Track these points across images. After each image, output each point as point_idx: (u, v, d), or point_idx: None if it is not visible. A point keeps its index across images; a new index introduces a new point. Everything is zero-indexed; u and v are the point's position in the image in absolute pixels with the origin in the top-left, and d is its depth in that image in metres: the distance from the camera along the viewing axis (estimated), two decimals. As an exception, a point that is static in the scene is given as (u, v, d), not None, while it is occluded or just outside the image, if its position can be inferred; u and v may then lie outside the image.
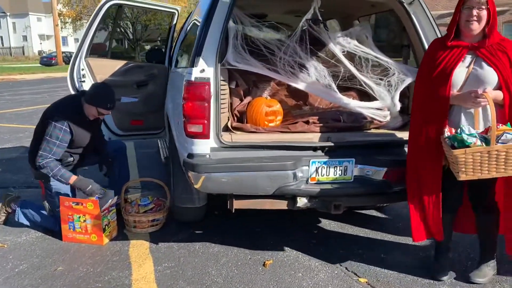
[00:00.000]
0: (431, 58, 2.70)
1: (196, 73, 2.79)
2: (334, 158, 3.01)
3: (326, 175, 3.01)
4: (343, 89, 3.61)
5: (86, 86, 4.36)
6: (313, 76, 3.30)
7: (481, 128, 2.60)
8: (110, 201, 3.48)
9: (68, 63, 4.77)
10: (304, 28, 3.35)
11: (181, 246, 3.39)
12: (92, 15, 4.28)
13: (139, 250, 3.33)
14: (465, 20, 2.57)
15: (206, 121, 2.79)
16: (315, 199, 3.01)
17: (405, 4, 3.29)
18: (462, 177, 2.49)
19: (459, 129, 2.49)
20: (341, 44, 3.43)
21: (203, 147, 2.85)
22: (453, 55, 2.63)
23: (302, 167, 2.94)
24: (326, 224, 3.84)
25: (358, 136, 3.15)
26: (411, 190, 2.84)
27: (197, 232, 3.65)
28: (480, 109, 2.61)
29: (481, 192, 2.76)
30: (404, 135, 3.16)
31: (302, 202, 2.97)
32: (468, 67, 2.62)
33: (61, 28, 34.53)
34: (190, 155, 2.87)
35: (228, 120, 3.20)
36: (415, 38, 3.33)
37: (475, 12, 2.53)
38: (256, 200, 2.97)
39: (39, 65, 35.80)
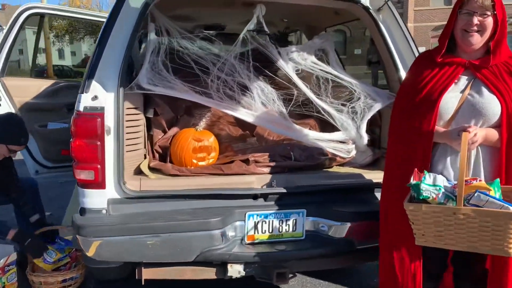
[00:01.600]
0: (415, 77, 1.99)
1: (85, 101, 2.08)
2: (279, 209, 2.31)
3: (269, 232, 2.30)
4: (300, 117, 2.92)
5: (3, 110, 3.65)
6: (257, 101, 2.60)
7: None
8: (3, 259, 2.74)
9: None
10: (247, 41, 2.66)
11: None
12: (7, 26, 3.58)
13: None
14: (463, 29, 1.86)
15: (99, 166, 2.07)
16: (253, 265, 2.28)
17: (371, 11, 2.60)
18: (419, 241, 1.79)
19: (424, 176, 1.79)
20: (295, 61, 2.75)
21: (97, 199, 2.12)
22: (443, 75, 1.92)
23: (234, 223, 2.23)
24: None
25: (313, 179, 2.44)
26: (383, 249, 2.11)
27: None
28: (473, 152, 1.90)
29: (467, 259, 2.03)
30: (375, 175, 2.48)
31: (234, 270, 2.24)
32: (462, 92, 1.90)
33: (53, 41, 33.93)
34: (82, 210, 2.15)
35: (146, 158, 2.49)
36: (385, 53, 2.64)
37: (476, 19, 1.82)
38: (173, 268, 2.24)
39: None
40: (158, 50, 2.51)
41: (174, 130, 2.60)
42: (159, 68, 2.43)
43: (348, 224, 2.28)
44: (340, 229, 2.30)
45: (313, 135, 2.61)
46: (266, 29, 2.63)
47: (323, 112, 2.67)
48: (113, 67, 2.15)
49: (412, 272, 2.03)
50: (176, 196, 2.23)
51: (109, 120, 2.12)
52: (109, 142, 2.12)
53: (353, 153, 2.68)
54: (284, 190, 2.32)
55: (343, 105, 2.66)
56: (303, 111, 2.76)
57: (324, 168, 2.62)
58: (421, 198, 1.76)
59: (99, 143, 2.06)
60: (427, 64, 1.96)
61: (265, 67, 2.75)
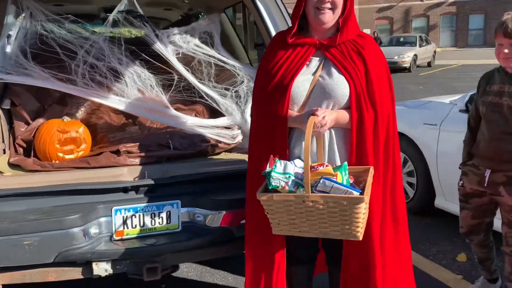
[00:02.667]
0: (269, 61, 1.89)
1: None
2: (151, 201, 2.18)
3: (140, 227, 2.17)
4: (188, 103, 2.79)
5: None
6: (132, 87, 2.44)
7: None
8: None
9: None
10: (119, 24, 2.48)
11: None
12: None
13: None
14: (315, 7, 1.77)
15: None
16: (123, 262, 2.15)
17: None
18: (276, 230, 1.74)
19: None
20: (176, 44, 2.60)
21: None
22: (295, 57, 1.84)
23: (98, 219, 2.08)
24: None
25: (190, 168, 2.33)
26: (249, 238, 2.04)
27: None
28: (326, 134, 1.85)
29: (336, 241, 1.99)
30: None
31: (100, 268, 2.09)
32: (314, 74, 1.83)
33: None
34: None
35: (4, 153, 2.28)
36: (265, 35, 2.54)
37: None
38: (34, 270, 2.07)
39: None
40: (15, 34, 2.28)
41: (39, 121, 2.39)
42: (15, 54, 2.21)
43: (224, 213, 2.20)
44: (216, 218, 2.22)
45: (195, 122, 2.50)
46: (139, 10, 2.46)
47: (206, 98, 2.56)
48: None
49: (277, 260, 1.98)
50: (33, 194, 2.05)
51: None
52: None
53: (239, 138, 2.60)
54: (156, 182, 2.19)
55: (226, 89, 2.56)
56: (184, 96, 2.62)
57: (207, 155, 2.51)
58: (270, 188, 1.69)
59: None
60: (280, 46, 1.87)
61: (141, 50, 2.58)
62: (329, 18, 1.78)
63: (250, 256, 2.02)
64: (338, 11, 1.79)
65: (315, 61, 1.85)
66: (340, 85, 1.80)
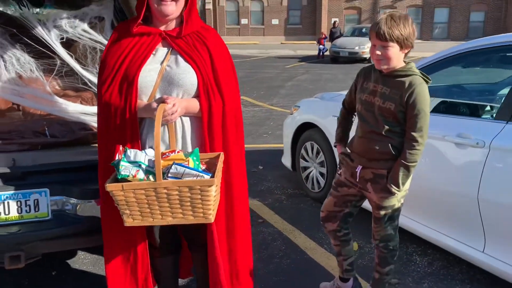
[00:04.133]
0: (113, 50, 1.88)
1: None
2: (17, 189, 2.15)
3: (5, 214, 2.14)
4: (77, 90, 2.75)
5: None
6: (11, 72, 2.38)
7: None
8: None
9: None
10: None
11: None
12: None
13: None
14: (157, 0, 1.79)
15: None
16: (-15, 250, 2.13)
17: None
18: (128, 222, 1.75)
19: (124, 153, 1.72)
20: (61, 28, 2.55)
21: None
22: (141, 47, 1.85)
23: (-44, 207, 2.04)
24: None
25: (61, 156, 2.30)
26: (106, 231, 2.05)
27: None
28: (178, 123, 1.87)
29: (192, 227, 2.03)
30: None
31: (-43, 257, 2.07)
32: (161, 63, 1.85)
33: None
34: None
35: None
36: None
37: None
38: None
39: None
40: None
41: None
42: None
43: (92, 201, 2.19)
44: (86, 207, 2.21)
45: (76, 109, 2.47)
46: (18, -9, 2.38)
47: (89, 84, 2.52)
48: None
49: (139, 252, 2.00)
50: None
51: None
52: None
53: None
54: (22, 169, 2.16)
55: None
56: (65, 82, 2.58)
57: (89, 144, 2.48)
58: (120, 177, 1.69)
59: None
60: (124, 36, 1.87)
61: (21, 33, 2.51)
62: (172, 10, 1.80)
63: (110, 249, 2.03)
64: (181, 3, 1.82)
65: (161, 51, 1.87)
66: (188, 74, 1.84)
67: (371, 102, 2.18)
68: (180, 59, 1.85)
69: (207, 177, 1.69)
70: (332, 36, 20.38)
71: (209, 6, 33.43)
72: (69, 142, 2.42)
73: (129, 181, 1.70)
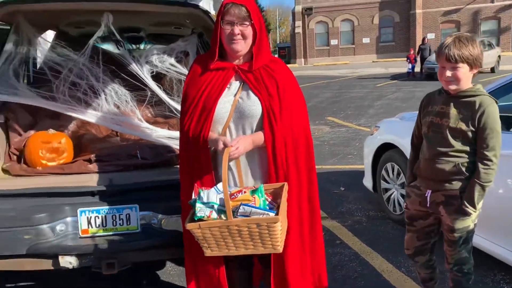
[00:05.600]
0: (194, 83, 2.11)
1: None
2: (113, 205, 2.47)
3: (103, 226, 2.47)
4: (164, 117, 3.08)
5: None
6: (109, 103, 2.77)
7: (251, 182, 2.06)
8: None
9: None
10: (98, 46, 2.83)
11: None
12: None
13: None
14: (228, 39, 1.98)
15: None
16: (88, 257, 2.46)
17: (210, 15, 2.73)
18: (207, 253, 1.94)
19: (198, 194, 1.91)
20: (152, 63, 2.90)
21: None
22: (217, 81, 2.05)
23: (65, 219, 2.41)
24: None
25: (149, 176, 2.60)
26: (187, 241, 2.26)
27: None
28: (243, 158, 2.03)
29: None
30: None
31: (65, 261, 2.42)
32: (235, 96, 2.04)
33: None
34: None
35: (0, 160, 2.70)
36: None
37: (237, 29, 1.95)
38: (13, 260, 2.43)
39: None
40: (11, 59, 2.69)
41: (30, 133, 2.79)
42: (8, 76, 2.62)
43: (175, 217, 2.43)
44: (169, 222, 2.46)
45: (162, 134, 2.77)
46: (117, 35, 2.78)
47: (175, 112, 2.82)
48: None
49: (217, 264, 2.17)
50: (13, 195, 2.43)
51: None
52: None
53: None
54: (117, 188, 2.49)
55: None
56: (155, 111, 2.90)
57: (173, 164, 2.76)
58: (196, 218, 1.88)
59: None
60: (202, 70, 2.08)
61: (119, 69, 2.90)
62: (242, 47, 1.98)
63: (190, 261, 2.23)
64: (249, 40, 1.99)
65: (234, 84, 2.05)
66: (255, 106, 2.00)
67: (438, 123, 2.17)
68: (249, 91, 2.01)
69: (272, 214, 1.83)
70: (422, 53, 19.40)
71: (298, 30, 34.09)
72: (157, 164, 2.72)
73: (205, 220, 1.90)
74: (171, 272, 3.29)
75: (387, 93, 14.64)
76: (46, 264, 2.47)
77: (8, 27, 2.90)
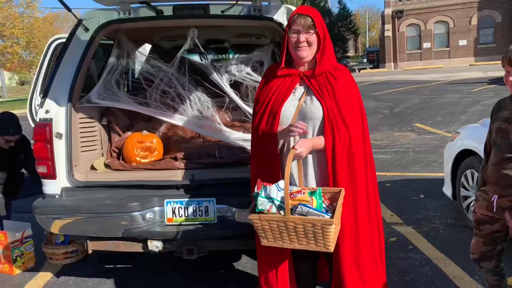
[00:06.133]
0: (263, 90, 2.35)
1: (41, 114, 2.82)
2: (194, 197, 2.80)
3: (185, 216, 2.80)
4: (241, 121, 3.37)
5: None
6: (193, 108, 3.12)
7: (311, 183, 2.23)
8: (20, 233, 3.64)
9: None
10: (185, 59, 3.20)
11: (78, 282, 3.40)
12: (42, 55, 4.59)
13: (36, 283, 3.42)
14: (294, 46, 2.19)
15: (49, 162, 2.78)
16: (172, 242, 2.81)
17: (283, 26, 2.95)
18: (264, 242, 2.15)
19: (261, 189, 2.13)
20: (230, 72, 3.20)
21: (52, 187, 2.84)
22: (284, 87, 2.26)
23: (153, 208, 2.78)
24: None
25: (226, 173, 2.89)
26: (258, 244, 2.47)
27: (108, 267, 3.64)
28: (305, 160, 2.21)
29: None
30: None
31: (153, 245, 2.79)
32: (299, 100, 2.24)
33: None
34: (42, 196, 2.89)
35: (103, 157, 3.17)
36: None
37: (303, 37, 2.15)
38: (111, 242, 2.87)
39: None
40: (114, 70, 3.16)
41: (127, 134, 3.24)
42: (110, 85, 3.09)
43: (246, 210, 2.68)
44: (242, 215, 2.72)
45: (238, 136, 3.06)
46: (201, 48, 3.13)
47: (250, 117, 3.09)
48: (63, 88, 2.85)
49: (285, 255, 2.37)
50: (113, 186, 2.86)
51: (60, 128, 2.82)
52: (61, 144, 2.82)
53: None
54: (198, 183, 2.81)
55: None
56: (235, 116, 3.20)
57: (247, 164, 3.01)
58: (257, 211, 2.10)
59: (48, 145, 2.77)
60: (271, 77, 2.30)
61: (203, 79, 3.24)
62: (307, 53, 2.17)
63: (261, 252, 2.44)
64: (314, 47, 2.17)
65: (299, 89, 2.24)
66: (317, 109, 2.18)
67: (506, 129, 2.17)
68: (313, 96, 2.19)
69: (327, 217, 1.99)
70: None
71: (388, 33, 33.06)
72: (233, 163, 3.01)
73: (265, 213, 2.11)
74: (246, 264, 3.55)
75: (483, 99, 13.71)
76: (137, 247, 2.87)
77: (112, 42, 3.40)
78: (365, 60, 44.67)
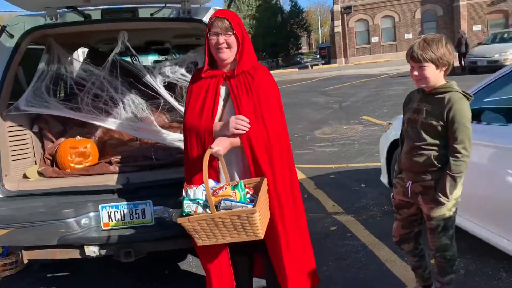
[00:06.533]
0: (192, 91, 2.41)
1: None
2: (130, 200, 2.81)
3: (121, 220, 2.81)
4: (178, 122, 3.41)
5: None
6: (128, 112, 3.13)
7: (236, 179, 2.33)
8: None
9: None
10: (116, 61, 3.20)
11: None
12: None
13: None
14: (215, 48, 2.27)
15: (-23, 173, 2.72)
16: (109, 247, 2.81)
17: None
18: (200, 243, 2.21)
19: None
20: (164, 74, 3.23)
21: (-17, 198, 2.78)
22: (209, 87, 2.35)
23: (88, 214, 2.77)
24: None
25: (161, 175, 2.92)
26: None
27: (51, 276, 3.58)
28: (227, 156, 2.28)
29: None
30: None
31: (90, 250, 2.78)
32: (224, 99, 2.33)
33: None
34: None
35: (36, 164, 3.12)
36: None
37: (222, 39, 2.23)
38: (47, 250, 2.83)
39: None
40: (44, 76, 3.11)
41: (61, 140, 3.20)
42: (40, 91, 3.04)
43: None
44: (179, 215, 2.76)
45: (175, 137, 3.09)
46: (133, 51, 3.14)
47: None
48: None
49: (223, 252, 2.45)
50: (46, 194, 2.83)
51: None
52: (-12, 155, 2.76)
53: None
54: (132, 186, 2.83)
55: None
56: (172, 117, 3.23)
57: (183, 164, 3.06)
58: (184, 214, 2.17)
59: (-25, 156, 2.70)
60: (198, 79, 2.38)
61: (137, 81, 3.26)
62: (227, 55, 2.25)
63: (200, 250, 2.49)
64: (234, 49, 2.26)
65: (222, 89, 2.32)
66: (232, 108, 2.27)
67: (415, 119, 2.33)
68: (230, 96, 2.29)
69: (250, 206, 2.09)
70: (459, 49, 18.62)
71: (337, 29, 33.84)
72: (169, 164, 3.04)
73: (192, 214, 2.17)
74: (191, 263, 3.60)
75: (426, 89, 14.36)
76: (74, 253, 2.85)
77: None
78: (318, 56, 45.48)
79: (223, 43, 2.22)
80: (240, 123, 2.20)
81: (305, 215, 2.51)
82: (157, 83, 3.17)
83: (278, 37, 44.08)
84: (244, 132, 2.22)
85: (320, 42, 61.27)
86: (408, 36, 32.93)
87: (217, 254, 2.48)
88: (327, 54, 37.99)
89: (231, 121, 2.19)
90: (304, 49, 74.68)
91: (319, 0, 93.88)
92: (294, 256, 2.41)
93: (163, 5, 2.99)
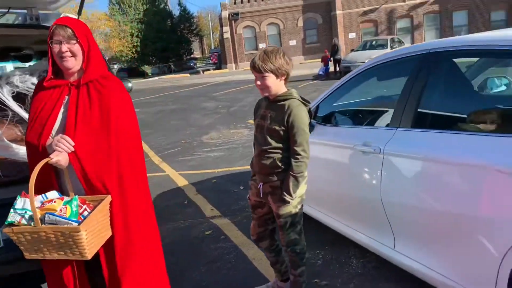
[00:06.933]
0: (35, 102, 2.27)
1: None
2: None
3: (-39, 245, 2.55)
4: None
5: None
6: (-30, 125, 2.85)
7: (77, 192, 2.19)
8: None
9: None
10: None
11: None
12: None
13: None
14: (58, 56, 2.16)
15: None
16: None
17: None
18: (27, 255, 2.08)
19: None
20: (12, 84, 3.01)
21: None
22: (53, 98, 2.23)
23: None
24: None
25: (10, 192, 2.70)
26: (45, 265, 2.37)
27: None
28: (70, 169, 2.18)
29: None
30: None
31: None
32: (66, 109, 2.22)
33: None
34: None
35: None
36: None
37: (64, 47, 2.13)
38: None
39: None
40: None
41: None
42: None
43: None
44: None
45: (25, 151, 2.88)
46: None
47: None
48: None
49: (74, 275, 2.30)
50: None
51: None
52: None
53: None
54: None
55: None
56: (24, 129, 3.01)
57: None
58: (7, 223, 2.01)
59: None
60: (41, 89, 2.25)
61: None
62: (72, 64, 2.16)
63: (47, 268, 2.34)
64: (80, 57, 2.17)
65: (66, 99, 2.22)
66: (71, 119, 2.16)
67: (262, 125, 2.49)
68: (70, 106, 2.18)
69: (75, 224, 1.97)
70: (334, 55, 20.21)
71: (226, 35, 34.48)
72: (20, 180, 2.83)
73: (16, 225, 2.01)
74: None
75: (308, 93, 15.28)
76: None
77: None
78: (211, 62, 45.81)
79: (66, 51, 2.13)
80: (62, 142, 2.07)
81: (159, 234, 2.45)
82: (4, 94, 2.94)
83: (168, 42, 43.51)
84: (67, 152, 2.09)
85: (212, 48, 61.86)
86: (293, 42, 34.82)
87: (65, 272, 2.34)
88: (218, 60, 38.49)
89: (55, 139, 2.09)
90: (197, 54, 74.58)
91: (209, 5, 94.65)
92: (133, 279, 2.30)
93: (6, 10, 2.79)
